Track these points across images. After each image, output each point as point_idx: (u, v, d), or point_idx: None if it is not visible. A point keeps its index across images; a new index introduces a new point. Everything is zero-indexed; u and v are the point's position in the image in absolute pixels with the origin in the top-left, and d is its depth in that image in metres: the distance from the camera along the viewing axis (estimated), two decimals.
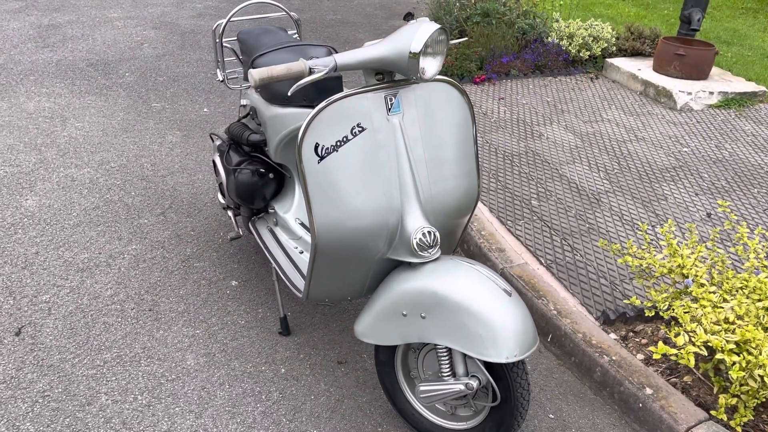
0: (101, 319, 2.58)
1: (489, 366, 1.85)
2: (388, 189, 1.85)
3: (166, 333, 2.52)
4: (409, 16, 1.78)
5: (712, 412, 2.06)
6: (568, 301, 2.58)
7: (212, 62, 5.57)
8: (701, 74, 5.03)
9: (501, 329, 1.73)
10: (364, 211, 1.84)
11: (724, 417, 1.97)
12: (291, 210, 2.60)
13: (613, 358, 2.28)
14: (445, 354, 1.87)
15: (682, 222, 3.21)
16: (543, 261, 2.84)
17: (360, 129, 1.82)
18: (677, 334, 2.04)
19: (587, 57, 5.50)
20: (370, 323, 1.93)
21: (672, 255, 2.20)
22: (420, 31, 1.69)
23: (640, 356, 2.34)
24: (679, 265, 2.15)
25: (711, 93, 4.84)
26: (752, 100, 4.91)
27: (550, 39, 5.58)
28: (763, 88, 4.97)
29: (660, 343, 1.91)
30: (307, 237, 2.50)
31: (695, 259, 2.15)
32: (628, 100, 4.93)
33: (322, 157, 1.80)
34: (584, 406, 2.26)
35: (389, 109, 1.83)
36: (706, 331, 1.95)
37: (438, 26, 1.70)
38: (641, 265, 2.28)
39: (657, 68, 5.17)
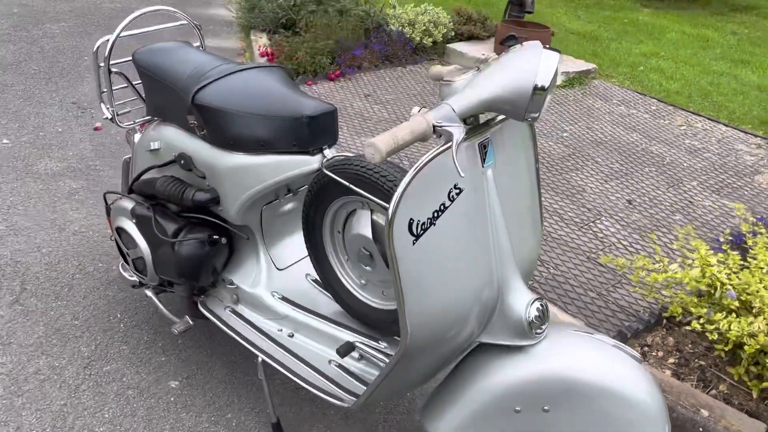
0: None
1: None
2: (487, 260, 1.43)
3: None
4: (511, 40, 1.35)
5: None
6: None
7: (42, 83, 4.32)
8: None
9: (651, 407, 1.43)
10: (464, 295, 1.41)
11: None
12: (261, 282, 1.99)
13: None
14: None
15: (613, 213, 3.23)
16: None
17: (458, 191, 1.37)
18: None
19: (430, 44, 5.38)
20: (463, 426, 1.51)
21: (704, 267, 2.11)
22: (545, 61, 1.28)
23: (667, 371, 2.25)
24: (716, 280, 2.06)
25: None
26: (587, 77, 5.22)
27: (393, 27, 5.33)
28: (593, 65, 5.32)
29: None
30: (297, 314, 1.93)
31: (732, 271, 2.08)
32: None
33: (417, 236, 1.31)
34: None
35: (483, 160, 1.41)
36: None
37: (557, 52, 1.31)
38: (666, 280, 2.16)
39: (500, 52, 5.22)
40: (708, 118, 4.62)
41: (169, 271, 1.99)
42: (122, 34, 2.04)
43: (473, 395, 1.51)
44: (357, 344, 1.79)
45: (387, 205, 1.54)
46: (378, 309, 1.79)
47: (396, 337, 1.80)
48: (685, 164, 3.85)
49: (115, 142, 3.74)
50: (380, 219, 1.67)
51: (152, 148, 2.04)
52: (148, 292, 2.18)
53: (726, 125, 4.53)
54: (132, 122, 2.21)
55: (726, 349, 2.05)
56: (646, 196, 3.42)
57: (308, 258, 2.11)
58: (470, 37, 5.67)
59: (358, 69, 4.92)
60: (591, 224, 3.10)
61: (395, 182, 1.57)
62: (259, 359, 1.86)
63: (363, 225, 1.68)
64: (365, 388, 1.75)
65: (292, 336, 1.93)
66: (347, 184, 1.62)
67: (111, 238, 2.36)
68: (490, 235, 1.43)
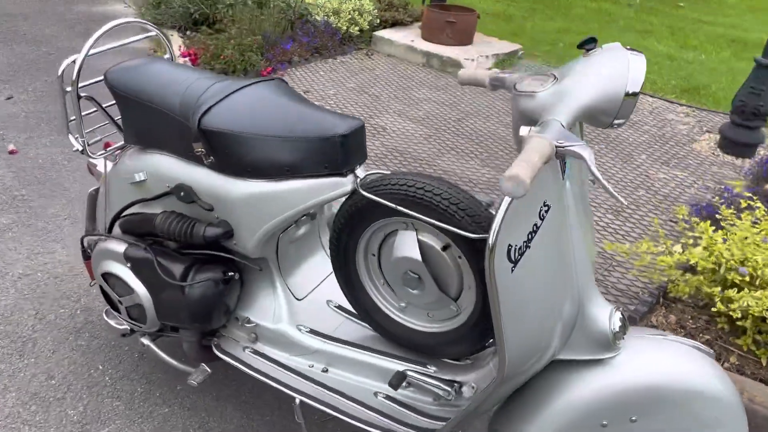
0: None
1: None
2: (570, 274, 1.36)
3: None
4: (591, 43, 1.26)
5: None
6: None
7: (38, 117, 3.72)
8: (469, 39, 5.21)
9: (733, 401, 1.44)
10: (553, 314, 1.34)
11: None
12: (283, 317, 1.82)
13: None
14: None
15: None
16: None
17: (546, 208, 1.28)
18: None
19: (357, 32, 5.23)
20: None
21: (710, 245, 2.16)
22: (634, 64, 1.20)
23: None
24: (726, 259, 2.11)
25: (486, 57, 5.05)
26: (515, 58, 5.28)
27: (318, 17, 5.13)
28: (518, 46, 5.39)
29: None
30: (330, 346, 1.78)
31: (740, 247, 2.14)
32: (421, 75, 4.84)
33: (515, 263, 1.22)
34: None
35: (563, 172, 1.33)
36: None
37: (641, 53, 1.24)
38: (679, 260, 2.20)
39: (428, 37, 5.18)
40: None
41: (177, 316, 1.77)
42: (90, 52, 1.77)
43: (555, 413, 1.45)
44: (407, 372, 1.67)
45: (448, 227, 1.43)
46: (424, 332, 1.68)
47: (446, 360, 1.71)
48: (630, 139, 3.98)
49: (38, 165, 3.34)
50: (429, 240, 1.55)
51: (137, 180, 1.80)
52: (145, 340, 1.94)
53: (652, 96, 4.74)
54: (103, 151, 1.94)
55: (742, 319, 2.10)
56: (606, 174, 3.50)
57: (324, 283, 1.96)
58: (394, 24, 5.57)
59: (289, 64, 4.70)
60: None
61: (451, 200, 1.45)
62: (297, 401, 1.70)
63: (409, 247, 1.56)
64: (421, 417, 1.65)
65: (326, 371, 1.78)
66: (394, 206, 1.49)
67: (91, 284, 2.08)
68: (571, 248, 1.36)
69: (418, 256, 1.55)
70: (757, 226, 2.35)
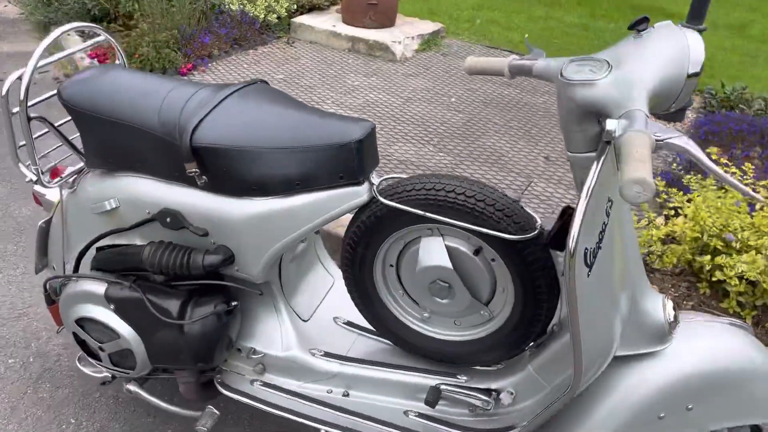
0: None
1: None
2: (627, 268, 1.31)
3: None
4: (643, 23, 1.18)
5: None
6: None
7: None
8: (391, 21, 5.08)
9: None
10: (616, 313, 1.27)
11: None
12: (293, 343, 1.65)
13: None
14: None
15: (540, 173, 3.26)
16: None
17: (610, 204, 1.20)
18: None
19: (275, 20, 4.97)
20: None
21: (694, 217, 2.19)
22: (693, 44, 1.13)
23: None
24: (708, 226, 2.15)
25: (412, 38, 4.96)
26: (439, 37, 5.22)
27: (233, 7, 4.82)
28: (440, 25, 5.33)
29: None
30: (349, 368, 1.64)
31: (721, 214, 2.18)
32: (350, 61, 4.67)
33: (591, 267, 1.14)
34: None
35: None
36: None
37: (698, 32, 1.17)
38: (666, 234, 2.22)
39: (350, 21, 5.01)
40: None
41: (176, 357, 1.57)
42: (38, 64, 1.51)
43: (611, 412, 1.40)
44: (441, 387, 1.57)
45: (487, 231, 1.33)
46: (451, 341, 1.59)
47: (477, 368, 1.62)
48: None
49: None
50: (458, 245, 1.45)
51: (107, 208, 1.57)
52: (132, 387, 1.72)
53: None
54: (59, 179, 1.68)
55: (733, 282, 2.14)
56: (556, 148, 3.52)
57: (327, 299, 1.82)
58: (312, 9, 5.35)
59: (209, 58, 4.39)
60: (530, 189, 3.11)
61: (486, 201, 1.35)
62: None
63: (437, 254, 1.45)
64: None
65: (347, 395, 1.64)
66: (422, 212, 1.37)
67: (58, 332, 1.82)
68: (627, 240, 1.30)
69: (449, 264, 1.45)
70: (722, 189, 2.43)
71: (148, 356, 1.60)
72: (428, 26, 5.26)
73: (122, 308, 1.56)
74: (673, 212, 2.41)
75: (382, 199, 1.40)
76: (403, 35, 4.91)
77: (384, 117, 3.79)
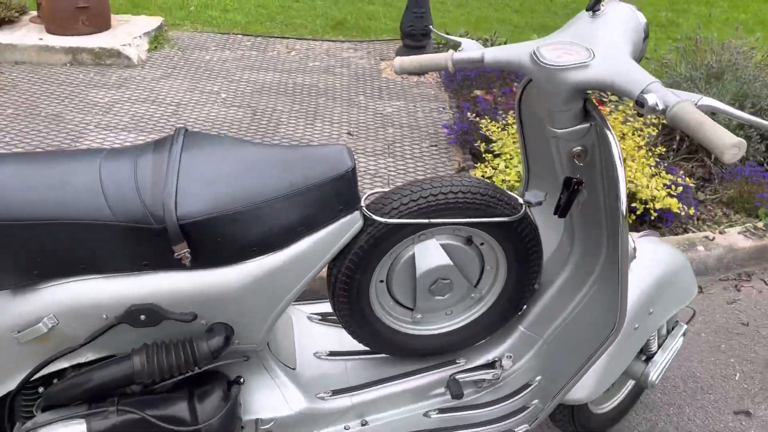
0: None
1: None
2: None
3: None
4: (598, 3, 1.30)
5: None
6: None
7: None
8: (107, 23, 4.51)
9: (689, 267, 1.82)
10: None
11: None
12: (297, 397, 1.51)
13: None
14: None
15: (353, 148, 3.33)
16: None
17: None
18: None
19: None
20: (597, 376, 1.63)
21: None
22: (638, 13, 1.32)
23: None
24: None
25: (139, 37, 4.48)
26: (164, 32, 4.82)
27: None
28: (160, 19, 4.89)
29: None
30: (358, 396, 1.57)
31: None
32: (82, 75, 4.04)
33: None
34: None
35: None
36: None
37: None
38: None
39: (58, 30, 4.31)
40: (298, 39, 4.95)
41: None
42: None
43: None
44: (453, 376, 1.61)
45: (489, 220, 1.39)
46: (443, 333, 1.63)
47: (475, 345, 1.69)
48: (336, 85, 4.14)
49: None
50: (450, 240, 1.49)
51: (43, 330, 1.22)
52: None
53: (314, 40, 4.95)
54: None
55: None
56: (351, 122, 3.63)
57: (298, 337, 1.71)
58: (0, 23, 4.46)
59: None
60: None
61: (480, 192, 1.41)
62: None
63: (435, 256, 1.47)
64: (486, 410, 1.63)
65: (365, 424, 1.58)
66: (426, 221, 1.38)
67: None
68: None
69: (449, 261, 1.48)
70: None
71: None
72: (148, 22, 4.81)
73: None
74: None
75: (382, 219, 1.36)
76: (129, 36, 4.43)
77: (164, 131, 3.44)
